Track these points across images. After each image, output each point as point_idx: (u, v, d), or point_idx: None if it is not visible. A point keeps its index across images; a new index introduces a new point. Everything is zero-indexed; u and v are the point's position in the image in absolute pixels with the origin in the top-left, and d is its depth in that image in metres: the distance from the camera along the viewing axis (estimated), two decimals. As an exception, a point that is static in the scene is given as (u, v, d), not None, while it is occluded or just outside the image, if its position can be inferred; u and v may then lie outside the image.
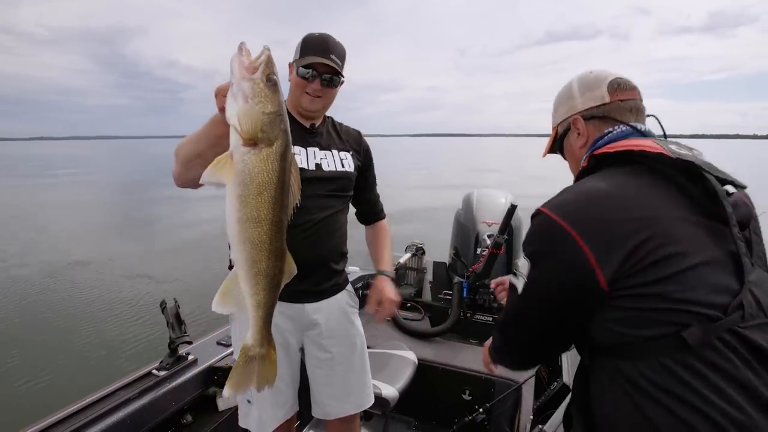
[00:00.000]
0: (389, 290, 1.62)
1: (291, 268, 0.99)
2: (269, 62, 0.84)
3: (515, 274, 0.91)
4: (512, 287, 0.91)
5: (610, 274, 0.73)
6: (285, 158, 0.87)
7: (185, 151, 1.15)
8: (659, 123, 1.00)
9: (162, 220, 12.20)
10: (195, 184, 1.12)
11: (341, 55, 1.46)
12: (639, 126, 0.94)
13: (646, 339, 0.72)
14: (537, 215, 0.84)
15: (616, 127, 0.95)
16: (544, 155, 1.14)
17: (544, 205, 0.83)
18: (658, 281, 0.71)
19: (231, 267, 1.55)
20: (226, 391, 1.00)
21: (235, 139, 0.85)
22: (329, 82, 1.44)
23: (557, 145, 1.08)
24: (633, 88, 0.98)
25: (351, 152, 1.59)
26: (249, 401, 1.52)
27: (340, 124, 1.64)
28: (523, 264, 0.87)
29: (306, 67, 1.41)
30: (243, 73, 0.83)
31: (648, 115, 0.99)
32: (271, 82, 0.84)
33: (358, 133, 1.67)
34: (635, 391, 0.73)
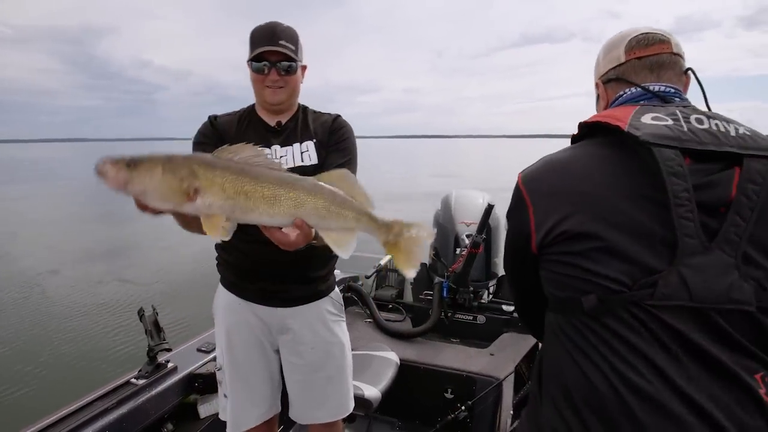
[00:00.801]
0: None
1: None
2: (106, 174, 0.85)
3: None
4: None
5: (539, 240, 0.83)
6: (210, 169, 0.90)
7: (188, 229, 1.24)
8: (696, 78, 0.93)
9: (135, 226, 11.92)
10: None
11: (293, 40, 1.40)
12: (652, 86, 0.89)
13: (561, 299, 0.83)
14: None
15: (627, 90, 0.92)
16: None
17: (522, 171, 0.91)
18: (573, 253, 0.79)
19: (218, 264, 1.55)
20: None
21: (180, 207, 0.89)
22: (287, 69, 1.39)
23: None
24: (657, 42, 0.90)
25: (314, 141, 1.47)
26: (225, 395, 1.52)
27: (315, 113, 1.54)
28: None
29: (257, 60, 1.37)
30: (121, 188, 0.86)
31: (686, 70, 0.92)
32: (131, 164, 0.85)
33: (333, 117, 1.53)
34: (558, 342, 0.83)
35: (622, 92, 0.93)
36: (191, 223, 1.13)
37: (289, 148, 1.44)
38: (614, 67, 0.95)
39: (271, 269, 1.44)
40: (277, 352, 1.56)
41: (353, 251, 1.00)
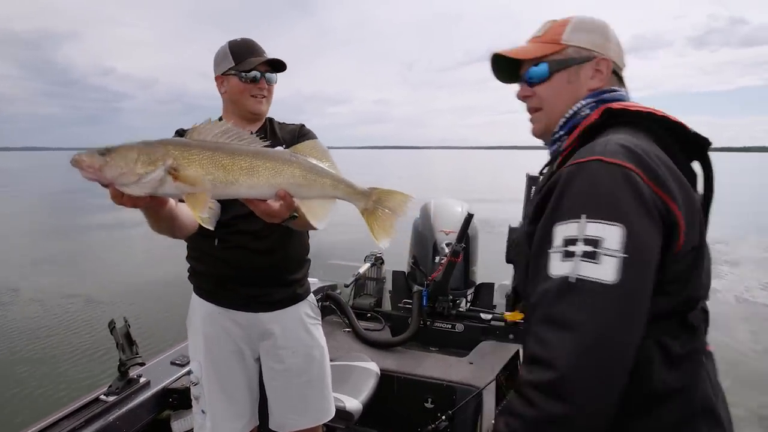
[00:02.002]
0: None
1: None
2: (84, 164, 0.84)
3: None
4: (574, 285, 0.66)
5: (685, 238, 0.72)
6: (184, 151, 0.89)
7: (161, 233, 1.17)
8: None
9: (98, 237, 11.45)
10: (188, 233, 1.24)
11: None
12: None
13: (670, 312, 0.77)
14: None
15: (621, 90, 0.89)
16: (517, 56, 0.92)
17: (612, 156, 0.73)
18: (697, 257, 0.77)
19: (190, 275, 1.50)
20: None
21: (161, 188, 0.87)
22: (273, 78, 1.48)
23: (554, 65, 0.88)
24: None
25: (284, 146, 1.49)
26: (203, 411, 1.47)
27: (281, 124, 1.59)
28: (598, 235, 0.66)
29: (249, 70, 1.42)
30: (96, 175, 0.84)
31: None
32: (104, 151, 0.84)
33: (299, 126, 1.58)
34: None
35: (620, 89, 0.88)
36: (163, 220, 1.08)
37: None
38: (619, 66, 0.91)
39: (252, 274, 1.45)
40: (257, 360, 1.55)
41: (327, 222, 0.99)
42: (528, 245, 0.78)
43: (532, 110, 0.94)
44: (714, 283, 0.82)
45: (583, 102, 0.86)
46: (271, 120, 1.58)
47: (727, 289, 6.69)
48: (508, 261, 2.00)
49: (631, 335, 0.65)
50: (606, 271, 0.63)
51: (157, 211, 1.03)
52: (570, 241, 0.66)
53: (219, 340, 1.47)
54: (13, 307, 6.11)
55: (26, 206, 18.42)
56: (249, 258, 1.43)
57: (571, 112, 0.87)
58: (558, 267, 0.67)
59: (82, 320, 5.50)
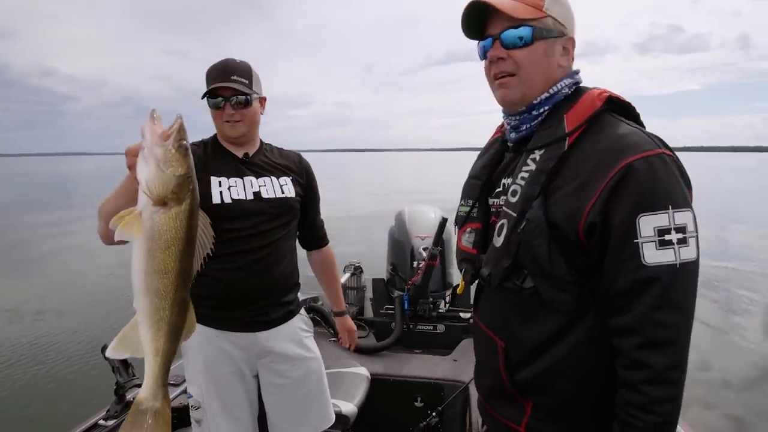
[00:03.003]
0: (353, 325, 2.02)
1: (192, 323, 0.99)
2: (181, 129, 0.89)
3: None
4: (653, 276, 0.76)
5: None
6: (193, 215, 0.92)
7: (106, 208, 1.12)
8: None
9: (50, 248, 10.78)
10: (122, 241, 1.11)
11: (245, 74, 1.47)
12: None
13: None
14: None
15: (577, 71, 0.93)
16: (504, 8, 0.85)
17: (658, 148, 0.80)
18: None
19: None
20: None
21: (144, 199, 0.88)
22: (243, 103, 1.44)
23: (538, 32, 0.86)
24: None
25: (291, 176, 1.58)
26: None
27: (280, 150, 1.64)
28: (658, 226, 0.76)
29: (213, 96, 1.43)
30: (156, 140, 0.87)
31: None
32: (183, 148, 0.88)
33: (298, 155, 1.67)
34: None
35: (577, 71, 0.93)
36: (124, 208, 0.97)
37: (266, 179, 1.52)
38: (573, 49, 0.93)
39: (250, 295, 1.48)
40: (256, 377, 1.58)
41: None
42: (548, 226, 0.81)
43: (502, 75, 0.89)
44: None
45: (564, 82, 0.90)
46: (269, 145, 1.62)
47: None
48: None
49: None
50: (692, 250, 0.76)
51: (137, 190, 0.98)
52: (664, 231, 0.75)
53: (218, 362, 1.48)
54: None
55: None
56: (246, 279, 1.45)
57: (554, 89, 0.89)
58: (657, 255, 0.75)
59: (66, 343, 5.25)
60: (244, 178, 1.48)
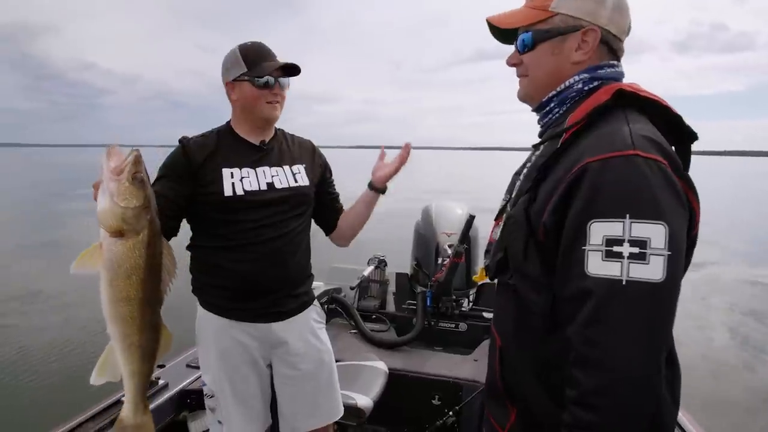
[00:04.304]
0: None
1: (167, 342, 1.05)
2: (136, 162, 0.92)
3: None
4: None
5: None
6: (152, 244, 0.96)
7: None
8: None
9: (83, 236, 11.20)
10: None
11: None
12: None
13: None
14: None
15: (615, 65, 0.87)
16: (500, 25, 0.92)
17: (644, 144, 0.73)
18: None
19: (196, 288, 1.52)
20: None
21: (102, 231, 0.93)
22: (287, 85, 1.48)
23: (538, 35, 0.86)
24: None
25: (304, 165, 1.56)
26: (220, 422, 1.50)
27: (292, 136, 1.62)
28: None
29: (262, 76, 1.41)
30: (109, 175, 0.91)
31: None
32: (137, 180, 0.92)
33: (311, 143, 1.65)
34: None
35: (615, 63, 0.87)
36: None
37: (279, 168, 1.50)
38: (616, 35, 0.86)
39: (265, 286, 1.48)
40: (269, 366, 1.59)
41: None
42: (528, 226, 0.79)
43: (520, 76, 0.94)
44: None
45: (578, 77, 0.85)
46: (282, 131, 1.61)
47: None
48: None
49: (672, 323, 0.70)
50: (655, 270, 0.66)
51: None
52: (614, 242, 0.67)
53: (233, 352, 1.49)
54: (27, 315, 6.06)
55: (7, 206, 17.93)
56: (263, 270, 1.45)
57: (563, 85, 0.87)
58: (600, 267, 0.68)
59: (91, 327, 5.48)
60: (257, 168, 1.47)
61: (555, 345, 0.77)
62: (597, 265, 0.68)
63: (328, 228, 1.73)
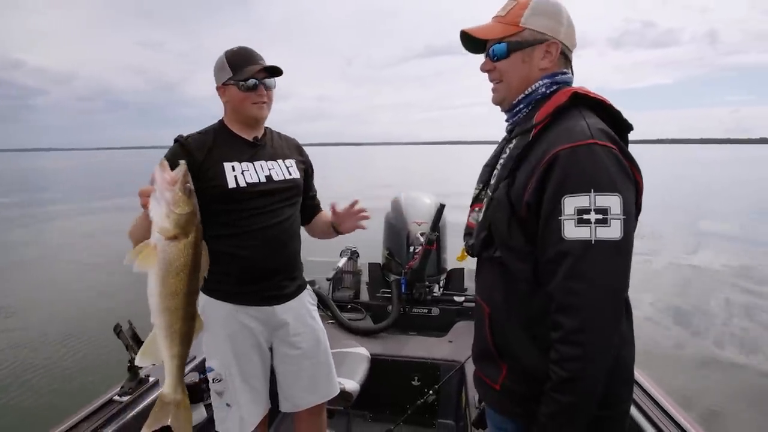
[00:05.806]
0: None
1: (200, 327, 1.17)
2: (186, 174, 1.05)
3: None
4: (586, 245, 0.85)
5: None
6: (198, 245, 1.08)
7: (133, 238, 1.28)
8: None
9: (85, 243, 10.68)
10: None
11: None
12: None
13: None
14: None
15: (567, 72, 1.05)
16: (481, 36, 1.07)
17: (598, 132, 0.90)
18: None
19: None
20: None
21: (157, 234, 1.04)
22: (272, 86, 1.57)
23: (512, 45, 1.03)
24: None
25: (294, 160, 1.67)
26: (228, 405, 1.57)
27: (279, 134, 1.72)
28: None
29: (246, 79, 1.49)
30: (165, 185, 1.03)
31: None
32: (188, 191, 1.05)
33: (296, 141, 1.77)
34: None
35: (567, 71, 1.05)
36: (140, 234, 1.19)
37: (274, 162, 1.60)
38: (570, 48, 1.05)
39: (268, 270, 1.57)
40: (270, 348, 1.67)
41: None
42: (509, 205, 0.96)
43: (494, 81, 1.09)
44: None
45: (541, 82, 1.03)
46: (271, 129, 1.70)
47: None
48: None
49: (630, 271, 0.89)
50: (615, 230, 0.84)
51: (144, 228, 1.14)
52: (583, 211, 0.85)
53: (243, 337, 1.56)
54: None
55: None
56: (264, 255, 1.54)
57: (530, 89, 1.04)
58: (574, 231, 0.85)
59: (81, 324, 5.37)
60: (255, 162, 1.56)
61: (537, 302, 0.95)
62: (571, 231, 0.86)
63: (306, 220, 1.84)
